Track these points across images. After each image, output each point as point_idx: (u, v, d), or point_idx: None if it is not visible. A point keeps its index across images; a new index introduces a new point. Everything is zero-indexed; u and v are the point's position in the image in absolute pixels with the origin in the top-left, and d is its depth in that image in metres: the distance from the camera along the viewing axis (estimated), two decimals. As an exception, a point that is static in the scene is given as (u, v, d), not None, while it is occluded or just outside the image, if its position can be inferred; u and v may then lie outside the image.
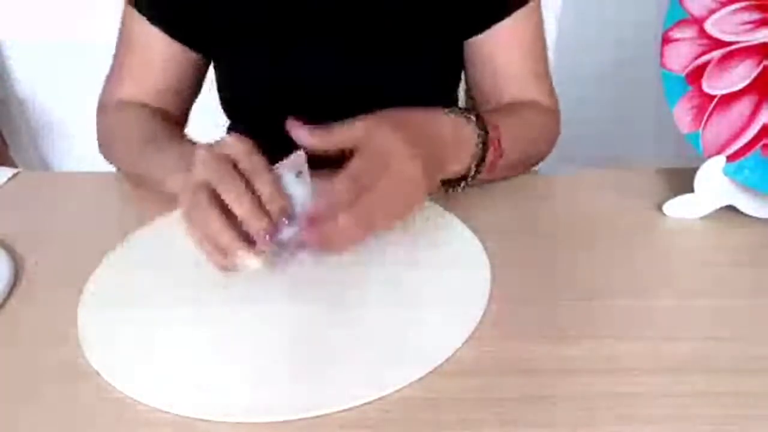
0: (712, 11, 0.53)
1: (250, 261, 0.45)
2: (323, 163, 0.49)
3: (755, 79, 0.53)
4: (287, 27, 0.67)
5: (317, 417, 0.38)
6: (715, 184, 0.56)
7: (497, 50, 0.68)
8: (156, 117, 0.67)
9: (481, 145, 0.54)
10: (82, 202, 0.65)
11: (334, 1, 0.66)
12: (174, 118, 0.72)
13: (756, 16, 0.52)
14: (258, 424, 0.38)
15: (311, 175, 0.49)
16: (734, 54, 0.53)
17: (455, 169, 0.53)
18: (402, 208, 0.47)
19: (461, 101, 0.91)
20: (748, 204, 0.56)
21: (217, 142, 0.48)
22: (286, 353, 0.43)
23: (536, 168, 0.69)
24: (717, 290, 0.49)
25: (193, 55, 0.70)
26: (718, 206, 0.57)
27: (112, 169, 0.68)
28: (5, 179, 0.68)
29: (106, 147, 0.68)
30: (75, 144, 1.52)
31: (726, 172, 0.56)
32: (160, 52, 0.68)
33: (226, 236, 0.44)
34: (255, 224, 0.45)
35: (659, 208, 0.58)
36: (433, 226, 0.55)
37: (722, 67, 0.54)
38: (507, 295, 0.48)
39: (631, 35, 1.39)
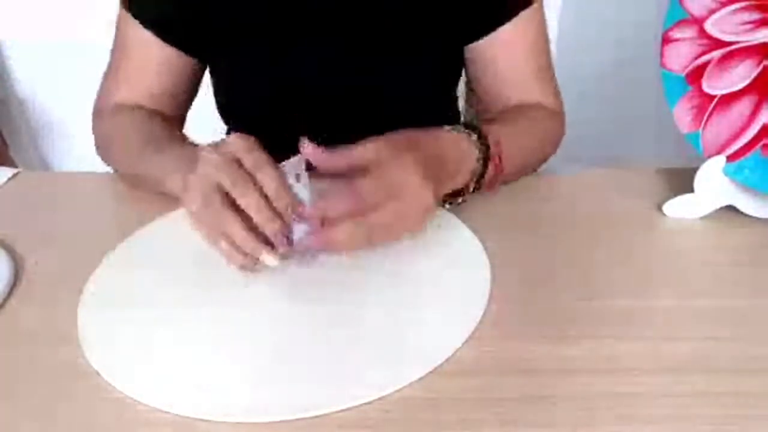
0: (712, 11, 0.53)
1: (269, 260, 0.47)
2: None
3: (755, 79, 0.53)
4: (287, 27, 0.67)
5: (317, 417, 0.38)
6: (715, 184, 0.56)
7: (500, 54, 0.68)
8: (154, 118, 0.67)
9: (481, 161, 0.54)
10: (82, 203, 0.65)
11: (334, 1, 0.66)
12: (170, 121, 0.71)
13: (756, 16, 0.52)
14: (258, 424, 0.38)
15: (309, 177, 0.50)
16: (734, 54, 0.53)
17: (454, 185, 0.54)
18: (404, 231, 0.49)
19: (461, 102, 0.91)
20: (748, 204, 0.56)
21: (221, 141, 0.48)
22: (286, 353, 0.43)
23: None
24: (717, 290, 0.49)
25: (187, 59, 0.70)
26: (718, 206, 0.57)
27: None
28: (5, 179, 0.68)
29: (104, 150, 0.68)
30: (75, 144, 1.52)
31: (726, 172, 0.56)
32: (155, 56, 0.68)
33: (251, 242, 0.46)
34: (271, 227, 0.46)
35: (659, 208, 0.58)
36: (433, 226, 0.55)
37: (722, 67, 0.54)
38: (507, 295, 0.48)
39: (631, 35, 1.39)
